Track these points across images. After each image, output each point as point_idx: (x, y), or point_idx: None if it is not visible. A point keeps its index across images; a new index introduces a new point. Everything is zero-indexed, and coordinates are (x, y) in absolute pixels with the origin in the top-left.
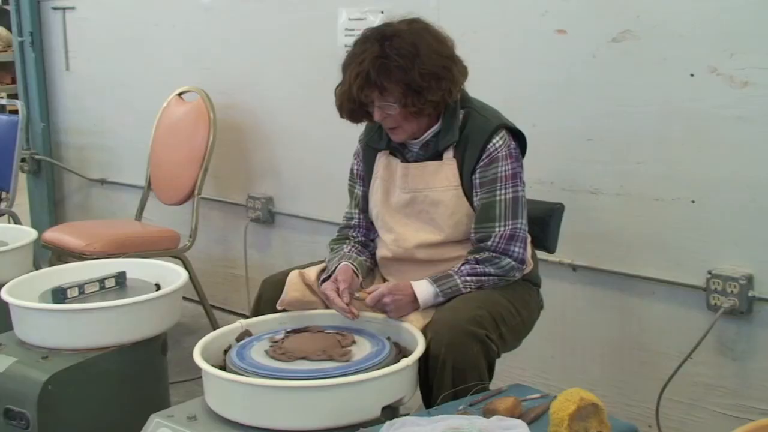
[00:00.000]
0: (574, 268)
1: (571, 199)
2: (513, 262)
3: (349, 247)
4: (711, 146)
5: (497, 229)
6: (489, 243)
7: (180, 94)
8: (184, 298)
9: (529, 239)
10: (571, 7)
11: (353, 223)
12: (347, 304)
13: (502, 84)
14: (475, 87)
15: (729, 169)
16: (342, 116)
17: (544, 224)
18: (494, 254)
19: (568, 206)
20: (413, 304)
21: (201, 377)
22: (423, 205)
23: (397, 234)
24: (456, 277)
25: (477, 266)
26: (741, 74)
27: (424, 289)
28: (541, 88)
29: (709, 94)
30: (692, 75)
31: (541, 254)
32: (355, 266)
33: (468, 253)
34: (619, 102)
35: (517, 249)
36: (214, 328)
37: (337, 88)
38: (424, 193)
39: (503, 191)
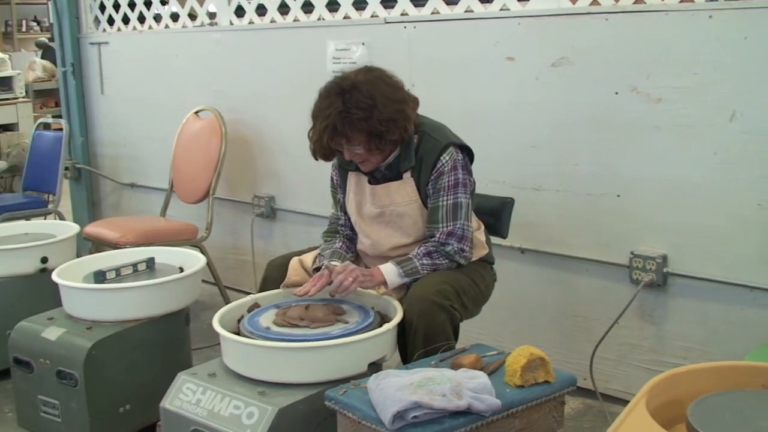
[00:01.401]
0: (522, 250)
1: (519, 194)
2: (455, 248)
3: (340, 243)
4: (633, 151)
5: (440, 228)
6: (434, 239)
7: (196, 112)
8: (202, 281)
9: (470, 235)
10: (519, 38)
11: (340, 222)
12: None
13: (462, 101)
14: (440, 104)
15: (648, 169)
16: (316, 159)
17: (498, 215)
18: (439, 245)
19: (518, 200)
20: (379, 279)
21: (218, 343)
22: (391, 217)
23: (373, 240)
24: (415, 260)
25: (430, 252)
26: (656, 92)
27: (389, 269)
28: (495, 105)
29: (631, 108)
30: (617, 93)
31: (495, 239)
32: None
33: (421, 244)
34: (558, 115)
35: (454, 242)
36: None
37: (309, 133)
38: (390, 208)
39: (445, 198)
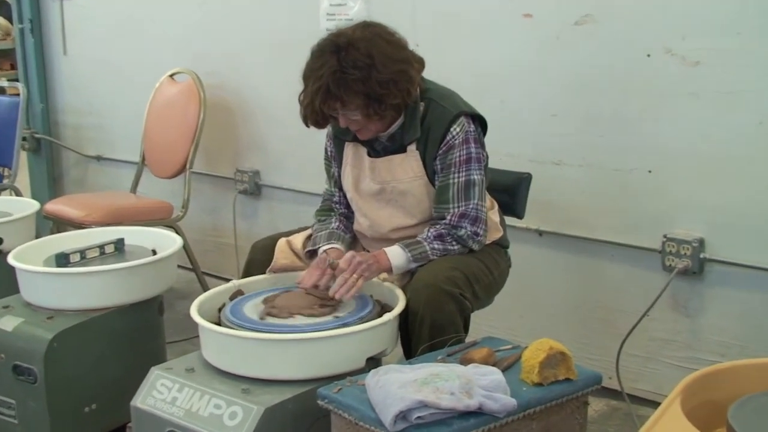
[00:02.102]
0: (540, 233)
1: (537, 169)
2: (468, 231)
3: (336, 223)
4: (666, 120)
5: (452, 209)
6: (445, 221)
7: (172, 75)
8: (178, 266)
9: (485, 216)
10: None
11: (335, 199)
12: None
13: (472, 64)
14: (447, 67)
15: (683, 141)
16: (308, 126)
17: (513, 193)
18: (451, 228)
19: (535, 176)
20: (385, 265)
21: (196, 336)
22: (392, 195)
23: (372, 221)
24: (425, 243)
25: (442, 236)
26: (693, 54)
27: (397, 254)
28: (510, 68)
29: (664, 73)
30: (648, 55)
31: (510, 220)
32: (342, 246)
33: (430, 226)
34: (582, 80)
35: (468, 225)
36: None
37: (299, 97)
38: (391, 184)
39: (457, 175)
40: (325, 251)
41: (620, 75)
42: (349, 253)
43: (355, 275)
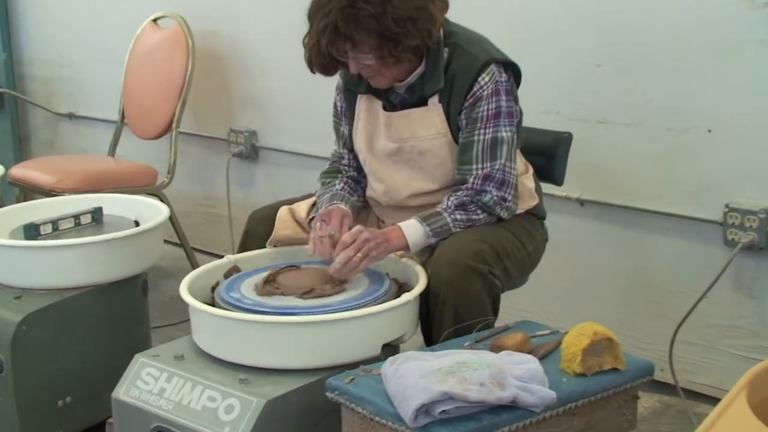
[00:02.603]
0: (581, 202)
1: (578, 129)
2: (493, 196)
3: (341, 184)
4: (729, 72)
5: (475, 170)
6: (467, 185)
7: (155, 20)
8: (163, 240)
9: (514, 179)
10: None
11: (344, 162)
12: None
13: (505, 10)
14: (477, 12)
15: (748, 96)
16: (313, 71)
17: (550, 155)
18: (474, 193)
19: (576, 137)
20: (398, 244)
21: (186, 320)
22: (411, 155)
23: (387, 185)
24: (445, 215)
25: (464, 204)
26: None
27: (413, 228)
28: (548, 14)
29: (726, 16)
30: None
31: (548, 187)
32: (347, 206)
33: (450, 194)
34: (631, 26)
35: (493, 189)
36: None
37: (304, 39)
38: (410, 143)
39: (482, 131)
40: (322, 217)
41: (674, 19)
42: (357, 228)
43: (359, 254)
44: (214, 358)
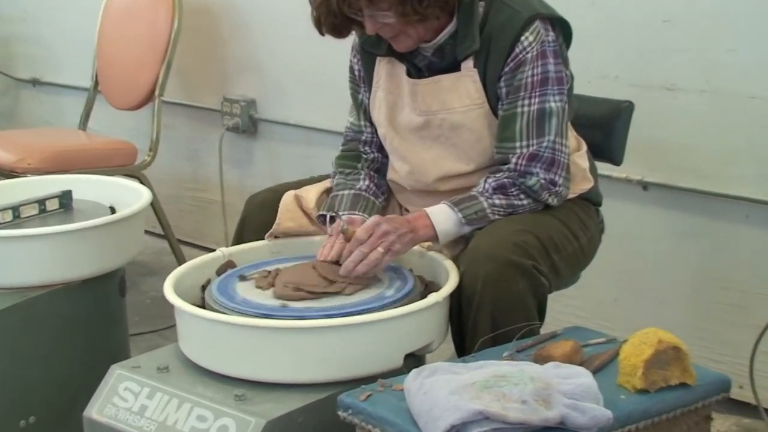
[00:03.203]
0: (644, 186)
1: (641, 97)
2: (540, 180)
3: (366, 181)
4: None
5: (518, 148)
6: (509, 166)
7: None
8: (144, 231)
9: (566, 159)
10: None
11: (364, 138)
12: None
13: None
14: None
15: None
16: (322, 33)
17: (608, 129)
18: (518, 175)
19: (639, 106)
20: (425, 234)
21: (168, 328)
22: (441, 130)
23: (413, 166)
24: (481, 199)
25: (504, 187)
26: None
27: (443, 215)
28: None
29: None
30: None
31: (604, 167)
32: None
33: (488, 175)
34: None
35: (540, 171)
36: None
37: None
38: (440, 115)
39: (527, 102)
40: (341, 227)
41: None
42: (372, 219)
43: (380, 249)
44: (204, 370)
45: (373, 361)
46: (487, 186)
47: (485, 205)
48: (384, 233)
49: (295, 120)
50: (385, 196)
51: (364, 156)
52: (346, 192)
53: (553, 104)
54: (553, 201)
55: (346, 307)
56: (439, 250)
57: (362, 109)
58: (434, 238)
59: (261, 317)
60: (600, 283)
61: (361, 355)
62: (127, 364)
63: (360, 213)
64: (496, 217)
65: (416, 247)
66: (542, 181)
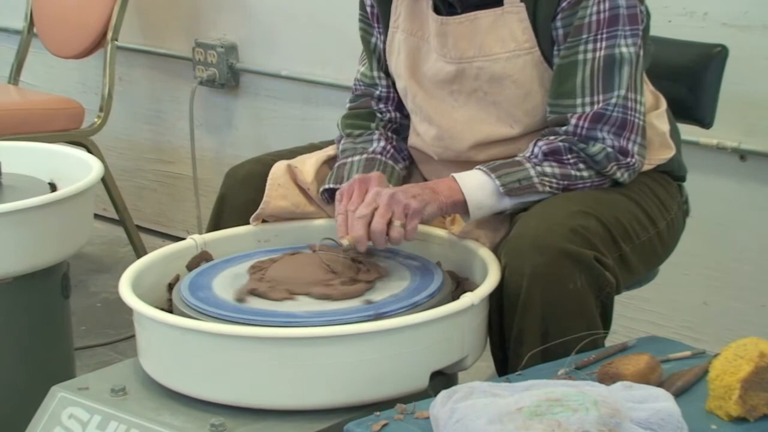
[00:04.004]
0: (741, 155)
1: (737, 40)
2: (608, 148)
3: (381, 142)
4: None
5: (578, 108)
6: (568, 128)
7: None
8: (94, 214)
9: (642, 121)
10: None
11: (378, 93)
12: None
13: None
14: None
15: None
16: None
17: (694, 81)
18: (578, 140)
19: (733, 53)
20: (452, 199)
21: (123, 339)
22: (478, 83)
23: (442, 129)
24: (527, 165)
25: (558, 152)
26: None
27: (476, 181)
28: None
29: None
30: None
31: (688, 130)
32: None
33: (539, 138)
34: None
35: (608, 135)
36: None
37: None
38: (476, 63)
39: (592, 46)
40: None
41: None
42: (373, 192)
43: (397, 222)
44: (172, 392)
45: (390, 380)
46: (536, 150)
47: (532, 173)
48: (412, 198)
49: (287, 71)
50: (406, 163)
51: (379, 115)
52: (356, 158)
53: (624, 49)
54: (622, 176)
55: (356, 312)
56: (476, 237)
57: (376, 56)
58: (462, 208)
59: (245, 324)
60: (683, 280)
61: (375, 373)
62: (72, 384)
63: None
64: (546, 190)
65: (445, 234)
66: (609, 150)
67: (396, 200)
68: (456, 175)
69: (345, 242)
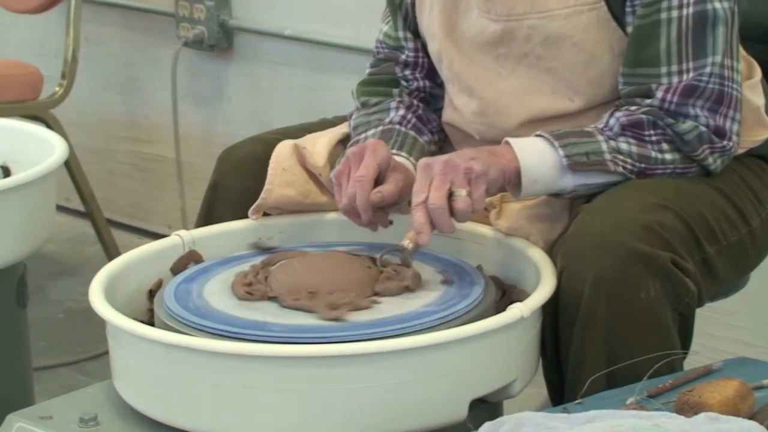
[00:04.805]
0: None
1: None
2: (702, 127)
3: (401, 111)
4: None
5: (663, 78)
6: (653, 101)
7: None
8: (57, 205)
9: (739, 94)
10: None
11: (404, 58)
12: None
13: None
14: None
15: None
16: None
17: None
18: (664, 114)
19: None
20: (510, 165)
21: (93, 357)
22: (530, 45)
23: (485, 102)
24: (599, 137)
25: (639, 125)
26: None
27: (534, 150)
28: None
29: None
30: None
31: None
32: (411, 162)
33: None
34: None
35: (699, 110)
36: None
37: None
38: (528, 21)
39: (677, 3)
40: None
41: None
42: (421, 162)
43: (462, 191)
44: (153, 422)
45: (422, 410)
46: (612, 121)
47: (604, 147)
48: (449, 166)
49: (292, 30)
50: (435, 137)
51: (404, 83)
52: (370, 132)
53: (717, 5)
54: (714, 162)
55: (379, 325)
56: (526, 235)
57: (402, 12)
58: (516, 178)
59: (243, 340)
60: None
61: (403, 400)
62: (32, 412)
63: (396, 150)
64: (619, 170)
65: (489, 231)
66: (703, 129)
67: (452, 166)
68: (511, 140)
69: (405, 243)
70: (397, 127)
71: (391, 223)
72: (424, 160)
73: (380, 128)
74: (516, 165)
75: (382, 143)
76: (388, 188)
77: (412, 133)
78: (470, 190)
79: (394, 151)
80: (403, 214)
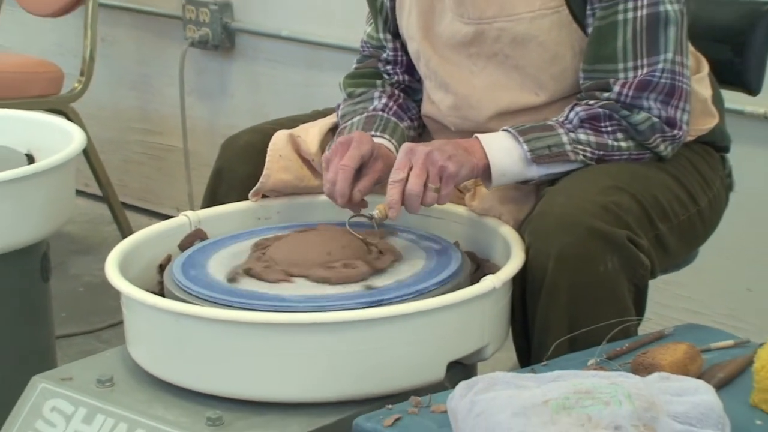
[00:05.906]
0: None
1: None
2: (653, 118)
3: (383, 99)
4: None
5: (620, 74)
6: (610, 94)
7: None
8: (76, 190)
9: (688, 87)
10: None
11: (385, 56)
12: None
13: None
14: None
15: None
16: None
17: (739, 41)
18: (620, 107)
19: None
20: (479, 161)
21: (109, 326)
22: (499, 45)
23: (459, 96)
24: (560, 130)
25: (596, 119)
26: None
27: (500, 144)
28: None
29: None
30: None
31: (733, 96)
32: (392, 144)
33: (575, 103)
34: None
35: (652, 103)
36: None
37: None
38: (497, 24)
39: (632, 5)
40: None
41: None
42: (403, 147)
43: (432, 186)
44: (164, 383)
45: (404, 371)
46: (572, 115)
47: (565, 139)
48: (427, 157)
49: (289, 31)
50: (414, 123)
51: (386, 77)
52: (355, 119)
53: (669, 6)
54: (666, 149)
55: (366, 296)
56: (498, 214)
57: (383, 16)
58: (486, 173)
59: (245, 309)
60: (726, 264)
61: (387, 363)
62: (54, 374)
63: (379, 133)
64: (579, 159)
65: (463, 210)
66: (655, 120)
67: (432, 161)
68: (480, 137)
69: (375, 213)
70: (380, 113)
71: (365, 205)
72: (408, 144)
73: (365, 115)
74: (485, 162)
75: (367, 136)
76: (365, 184)
77: (393, 119)
78: (440, 186)
79: (377, 134)
80: (376, 194)
